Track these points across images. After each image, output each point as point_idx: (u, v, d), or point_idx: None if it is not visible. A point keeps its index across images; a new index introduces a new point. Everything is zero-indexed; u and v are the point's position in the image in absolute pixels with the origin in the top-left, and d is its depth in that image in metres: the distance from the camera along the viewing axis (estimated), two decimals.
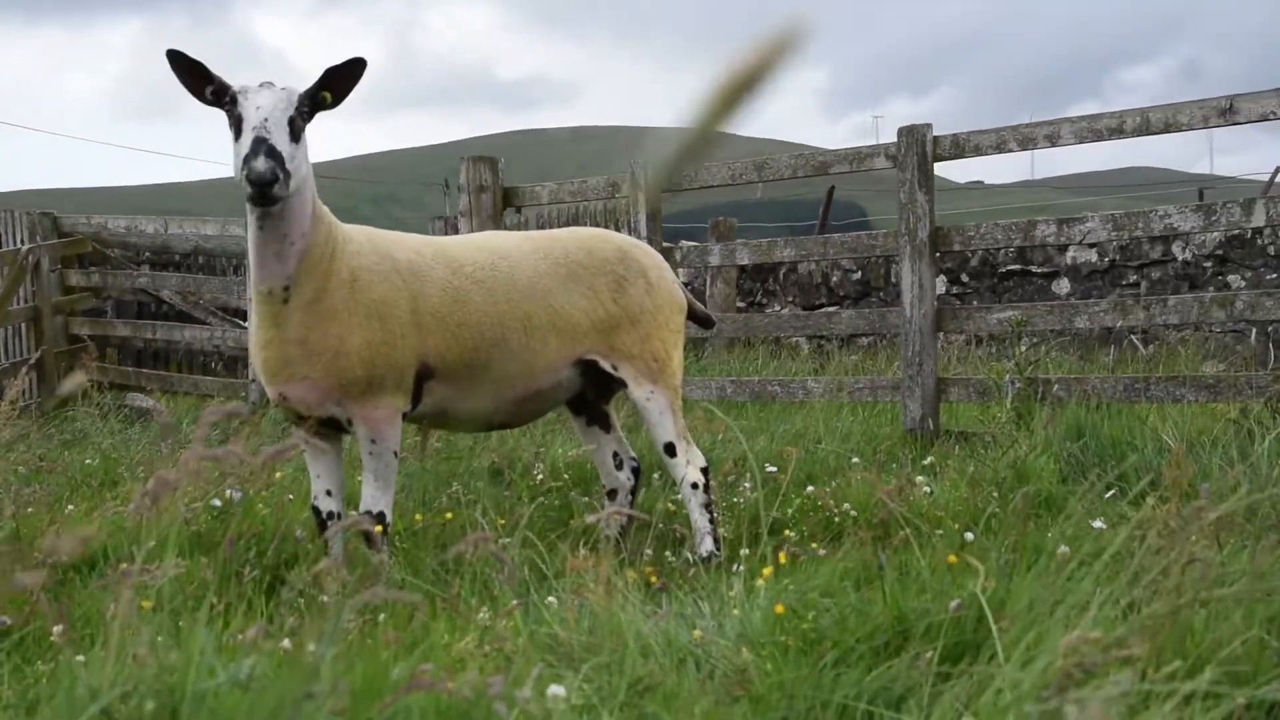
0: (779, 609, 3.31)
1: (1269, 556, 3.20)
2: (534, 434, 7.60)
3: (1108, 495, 5.23)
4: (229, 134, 4.31)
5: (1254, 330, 11.21)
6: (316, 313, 4.44)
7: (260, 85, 4.35)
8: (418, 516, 5.35)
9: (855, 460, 6.50)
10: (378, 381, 4.51)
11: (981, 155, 7.73)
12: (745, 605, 3.50)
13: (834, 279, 14.47)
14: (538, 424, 7.25)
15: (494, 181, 9.57)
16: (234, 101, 4.28)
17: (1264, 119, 6.51)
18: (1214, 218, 6.81)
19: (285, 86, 4.36)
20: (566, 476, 6.30)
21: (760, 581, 3.58)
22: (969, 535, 4.39)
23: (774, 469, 5.82)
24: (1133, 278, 12.37)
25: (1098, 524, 4.29)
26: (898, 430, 7.73)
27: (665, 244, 8.98)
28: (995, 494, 5.46)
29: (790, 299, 14.71)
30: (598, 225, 11.10)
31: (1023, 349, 7.41)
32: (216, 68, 4.32)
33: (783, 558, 3.83)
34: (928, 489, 5.55)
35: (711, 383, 8.78)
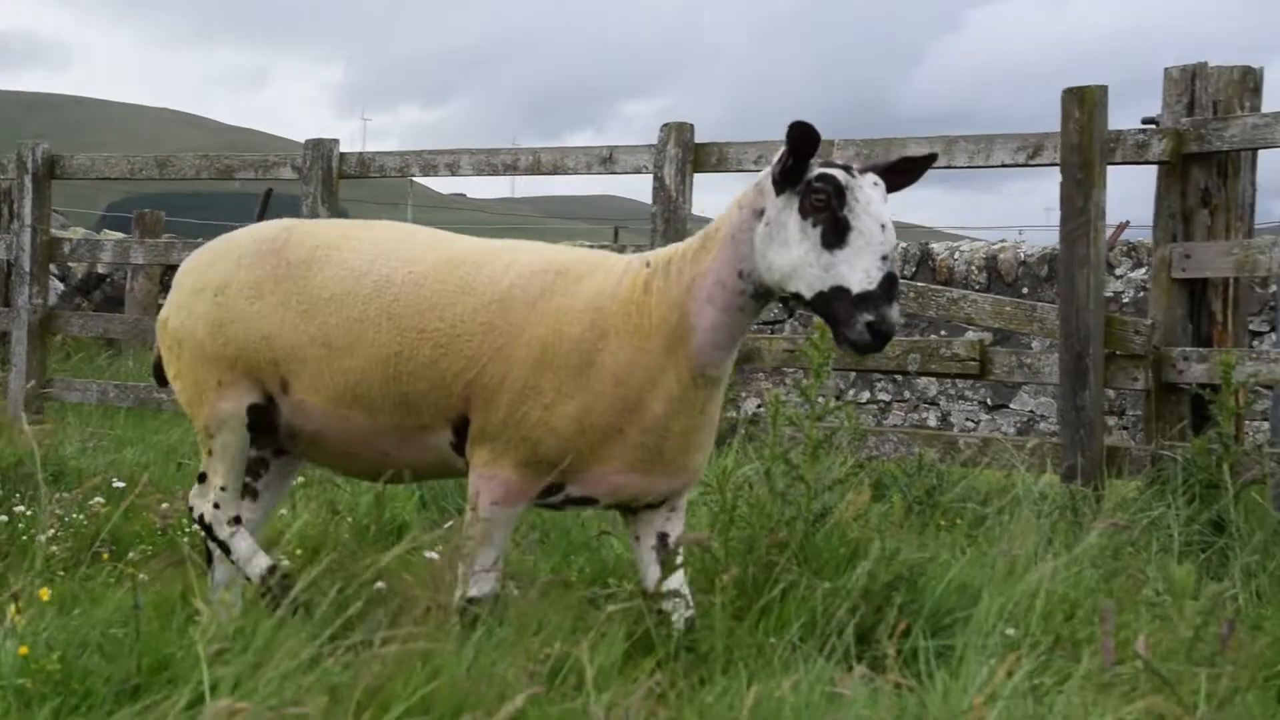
0: (24, 650, 3.10)
1: None
2: None
3: None
4: (796, 221, 3.39)
5: None
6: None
7: (851, 168, 3.40)
8: None
9: None
10: None
11: (386, 176, 7.81)
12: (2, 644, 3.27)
13: None
14: None
15: None
16: (840, 197, 3.35)
17: (638, 171, 6.93)
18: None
19: (869, 172, 3.43)
20: None
21: (15, 618, 3.34)
22: None
23: (123, 484, 5.54)
24: None
25: None
26: None
27: (56, 232, 8.43)
28: None
29: None
30: None
31: None
32: None
33: (44, 594, 3.60)
34: None
35: (93, 385, 8.33)
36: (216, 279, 4.01)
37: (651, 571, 3.82)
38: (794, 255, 3.39)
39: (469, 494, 3.77)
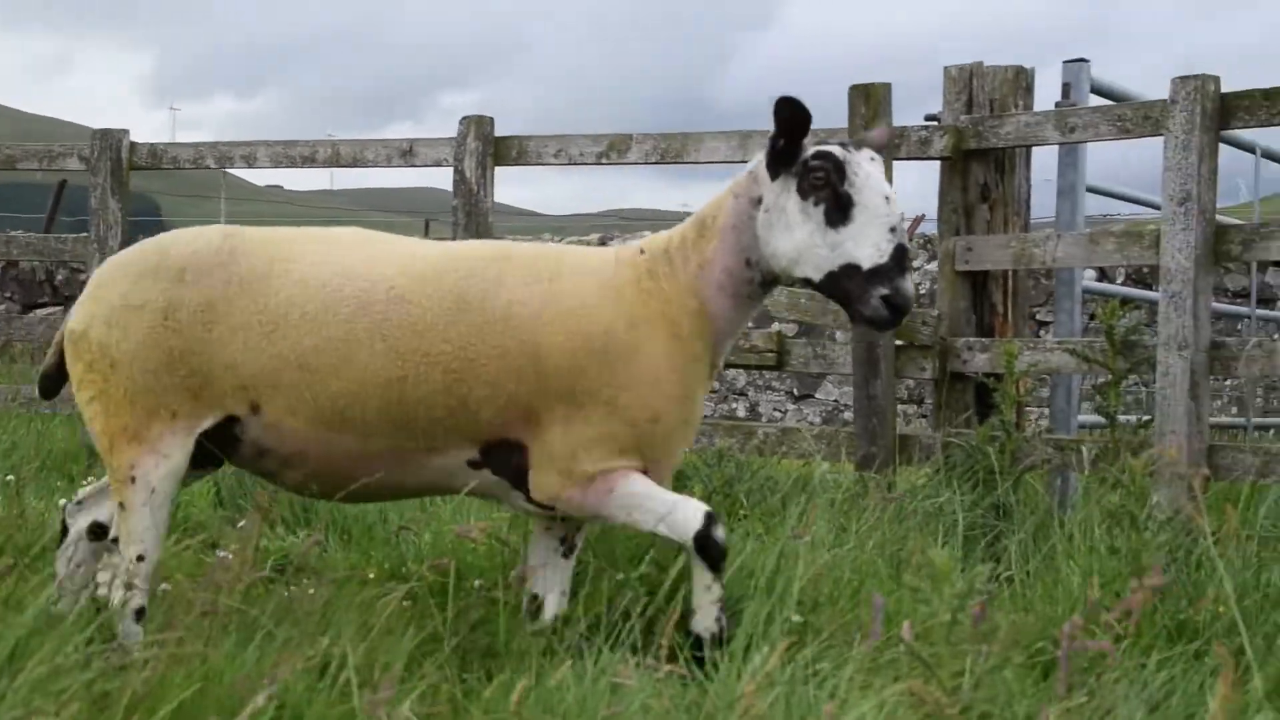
0: None
1: None
2: None
3: None
4: (796, 203, 3.35)
5: None
6: None
7: (846, 144, 3.38)
8: None
9: (10, 478, 6.09)
10: None
11: (180, 169, 7.63)
12: None
13: (59, 277, 13.68)
14: None
15: None
16: (840, 173, 3.28)
17: (438, 164, 6.87)
18: None
19: (864, 147, 3.41)
20: None
21: None
22: None
23: None
24: None
25: None
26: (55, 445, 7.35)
27: None
28: None
29: (9, 295, 13.74)
30: None
31: None
32: None
33: None
34: None
35: None
36: (160, 297, 3.52)
37: (555, 573, 3.78)
38: (798, 238, 3.32)
39: (585, 519, 3.70)
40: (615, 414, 3.43)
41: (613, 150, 6.49)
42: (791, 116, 3.31)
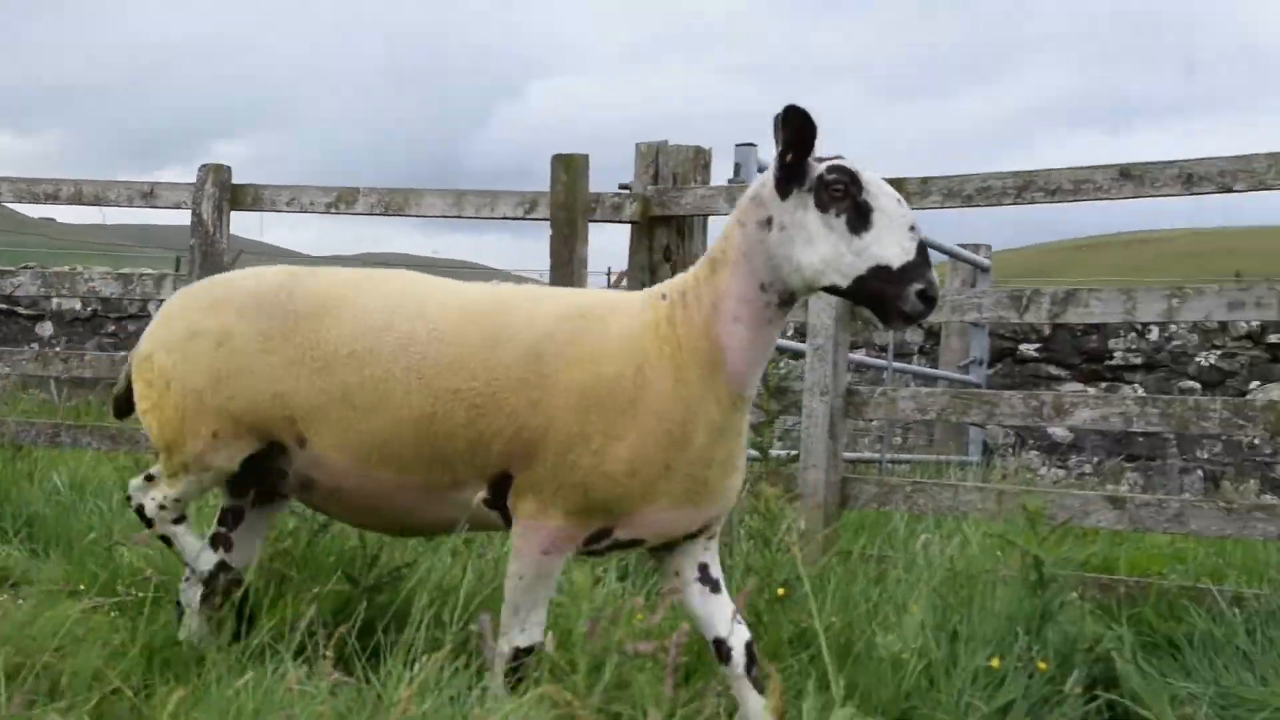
0: None
1: None
2: None
3: None
4: (815, 217, 3.12)
5: None
6: None
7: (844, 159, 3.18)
8: None
9: None
10: None
11: None
12: None
13: None
14: None
15: None
16: (856, 183, 3.07)
17: (178, 206, 6.58)
18: (130, 287, 6.80)
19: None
20: None
21: None
22: None
23: None
24: (111, 327, 12.38)
25: None
26: None
27: None
28: None
29: None
30: None
31: None
32: None
33: None
34: None
35: None
36: (216, 327, 3.50)
37: (711, 607, 3.37)
38: (823, 249, 3.10)
39: (513, 543, 3.29)
40: (599, 466, 3.16)
41: (341, 201, 6.35)
42: (801, 126, 3.11)
